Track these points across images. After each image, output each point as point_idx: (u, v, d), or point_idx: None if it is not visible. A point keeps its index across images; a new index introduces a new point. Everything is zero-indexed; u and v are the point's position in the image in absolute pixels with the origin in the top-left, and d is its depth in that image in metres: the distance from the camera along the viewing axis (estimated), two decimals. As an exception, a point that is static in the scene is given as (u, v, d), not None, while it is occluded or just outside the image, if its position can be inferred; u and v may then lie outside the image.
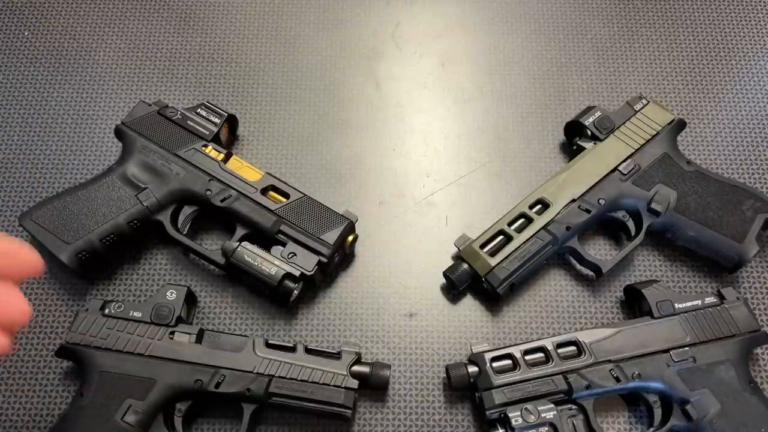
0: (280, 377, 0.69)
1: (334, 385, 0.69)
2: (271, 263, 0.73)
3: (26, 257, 0.46)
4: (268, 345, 0.71)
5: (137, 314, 0.71)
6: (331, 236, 0.75)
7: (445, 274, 0.78)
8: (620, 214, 0.80)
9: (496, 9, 0.98)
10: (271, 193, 0.78)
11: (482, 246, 0.76)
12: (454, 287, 0.77)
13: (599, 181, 0.79)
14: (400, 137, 0.89)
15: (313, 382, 0.69)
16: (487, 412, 0.68)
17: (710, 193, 0.78)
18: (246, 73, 0.93)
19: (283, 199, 0.78)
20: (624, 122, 0.82)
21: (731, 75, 0.94)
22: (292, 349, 0.71)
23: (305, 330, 0.78)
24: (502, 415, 0.68)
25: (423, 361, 0.76)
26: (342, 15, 0.97)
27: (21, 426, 0.72)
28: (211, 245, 0.82)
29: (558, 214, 0.77)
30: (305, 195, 0.78)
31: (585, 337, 0.71)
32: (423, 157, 0.88)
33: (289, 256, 0.74)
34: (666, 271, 0.81)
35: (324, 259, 0.74)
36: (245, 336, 0.71)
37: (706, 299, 0.73)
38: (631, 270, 0.81)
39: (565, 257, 0.81)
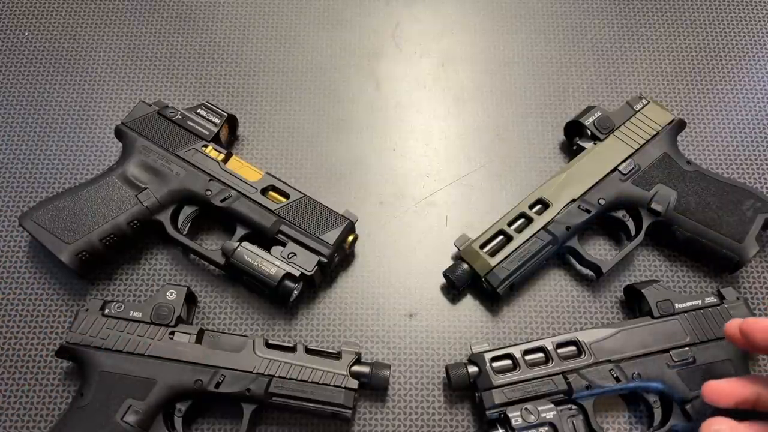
0: (280, 377, 0.69)
1: (334, 385, 0.69)
2: (271, 263, 0.73)
3: None
4: (268, 345, 0.71)
5: (137, 314, 0.71)
6: (331, 236, 0.75)
7: (445, 274, 0.78)
8: (620, 214, 0.80)
9: (496, 9, 0.98)
10: (271, 193, 0.78)
11: (482, 246, 0.76)
12: (454, 287, 0.77)
13: (599, 181, 0.79)
14: (400, 137, 0.89)
15: (313, 382, 0.69)
16: (487, 412, 0.68)
17: (710, 193, 0.78)
18: (246, 73, 0.93)
19: (283, 199, 0.78)
20: (624, 122, 0.82)
21: (731, 75, 0.94)
22: (292, 349, 0.71)
23: (305, 330, 0.78)
24: (502, 415, 0.68)
25: (423, 361, 0.76)
26: (342, 15, 0.97)
27: (21, 426, 0.72)
28: (211, 245, 0.82)
29: (558, 214, 0.77)
30: (305, 195, 0.78)
31: (585, 337, 0.71)
32: (423, 157, 0.88)
33: (289, 256, 0.74)
34: (666, 271, 0.81)
35: (324, 259, 0.74)
36: (245, 336, 0.71)
37: (706, 299, 0.73)
38: (631, 270, 0.81)
39: (565, 257, 0.81)
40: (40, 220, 0.74)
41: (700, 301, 0.73)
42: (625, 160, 0.80)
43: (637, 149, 0.81)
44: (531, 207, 0.78)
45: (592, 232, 0.83)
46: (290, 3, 0.98)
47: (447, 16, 0.98)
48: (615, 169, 0.80)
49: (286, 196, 0.78)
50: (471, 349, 0.72)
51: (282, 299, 0.74)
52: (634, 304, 0.77)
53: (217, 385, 0.68)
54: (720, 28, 0.97)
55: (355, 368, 0.71)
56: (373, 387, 0.72)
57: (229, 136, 0.86)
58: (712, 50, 0.96)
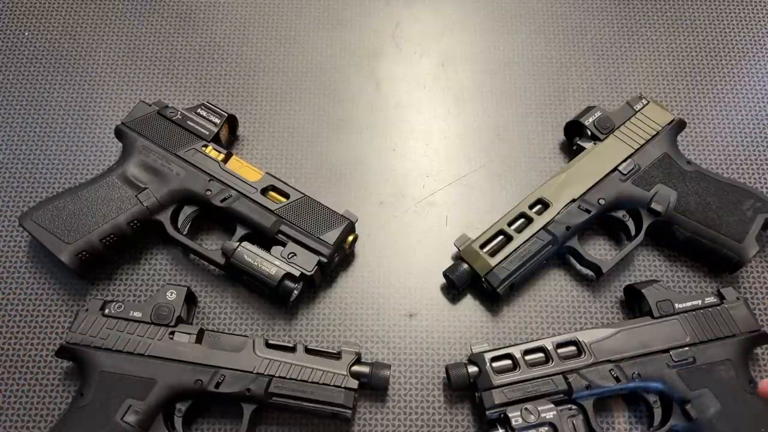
0: (280, 377, 0.69)
1: (334, 385, 0.69)
2: (271, 263, 0.73)
3: None
4: (268, 345, 0.71)
5: (137, 314, 0.71)
6: (331, 236, 0.75)
7: (445, 274, 0.78)
8: (620, 214, 0.80)
9: (496, 9, 0.98)
10: (271, 193, 0.78)
11: (482, 246, 0.76)
12: (454, 287, 0.77)
13: (599, 181, 0.79)
14: (400, 137, 0.89)
15: (313, 382, 0.69)
16: (487, 412, 0.68)
17: (710, 193, 0.78)
18: (246, 73, 0.93)
19: (283, 199, 0.78)
20: (624, 122, 0.82)
21: (731, 75, 0.94)
22: (292, 349, 0.71)
23: (305, 330, 0.78)
24: (502, 415, 0.68)
25: (423, 361, 0.76)
26: (342, 15, 0.97)
27: (21, 426, 0.72)
28: (211, 245, 0.82)
29: (558, 214, 0.77)
30: (305, 195, 0.78)
31: (585, 337, 0.71)
32: (423, 157, 0.88)
33: (289, 256, 0.74)
34: (666, 271, 0.81)
35: (324, 259, 0.74)
36: (245, 336, 0.71)
37: (706, 299, 0.73)
38: (631, 270, 0.81)
39: (565, 257, 0.81)
40: (40, 220, 0.74)
41: (700, 301, 0.73)
42: (625, 160, 0.80)
43: (637, 149, 0.81)
44: (531, 207, 0.78)
45: (592, 232, 0.83)
46: (290, 3, 0.98)
47: (447, 16, 0.98)
48: (615, 169, 0.80)
49: (286, 196, 0.78)
50: (471, 349, 0.72)
51: (282, 299, 0.74)
52: (634, 304, 0.77)
53: (217, 385, 0.68)
54: (720, 28, 0.97)
55: (355, 368, 0.71)
56: (373, 387, 0.72)
57: (229, 136, 0.86)
58: (712, 50, 0.96)
